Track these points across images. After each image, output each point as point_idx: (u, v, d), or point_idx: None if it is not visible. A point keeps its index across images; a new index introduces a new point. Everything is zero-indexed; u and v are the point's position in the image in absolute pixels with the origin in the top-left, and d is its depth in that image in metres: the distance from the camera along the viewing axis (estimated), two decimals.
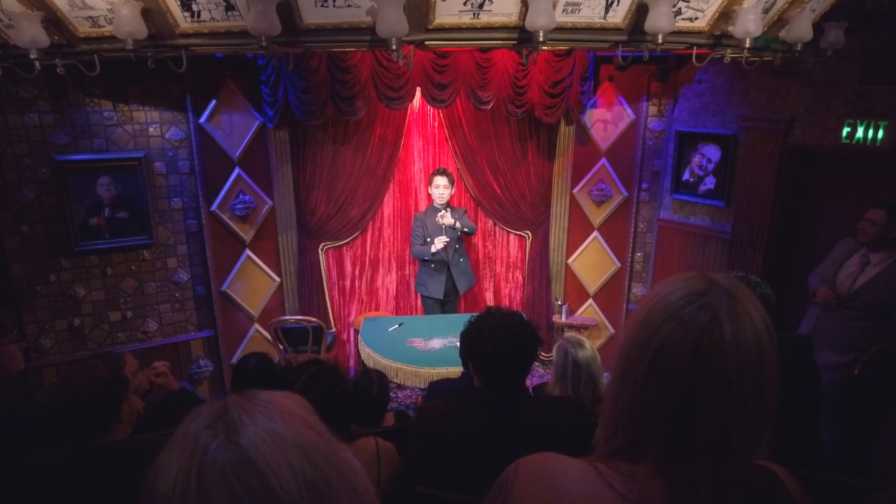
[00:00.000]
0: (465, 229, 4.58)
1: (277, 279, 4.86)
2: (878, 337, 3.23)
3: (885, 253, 3.25)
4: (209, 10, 2.63)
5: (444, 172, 4.51)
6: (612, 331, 5.51)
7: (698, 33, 3.03)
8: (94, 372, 1.71)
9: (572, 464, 0.85)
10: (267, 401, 0.63)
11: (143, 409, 1.90)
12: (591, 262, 5.38)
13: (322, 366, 2.03)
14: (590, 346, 2.58)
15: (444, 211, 4.45)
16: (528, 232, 5.34)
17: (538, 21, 2.57)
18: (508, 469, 0.91)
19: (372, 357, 3.98)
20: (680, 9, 2.84)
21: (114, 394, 1.72)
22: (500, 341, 1.76)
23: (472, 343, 1.82)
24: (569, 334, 2.73)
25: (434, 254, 4.46)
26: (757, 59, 3.26)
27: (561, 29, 2.78)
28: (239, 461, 0.56)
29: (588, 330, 5.36)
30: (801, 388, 2.16)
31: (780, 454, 0.90)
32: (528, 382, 2.02)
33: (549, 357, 5.53)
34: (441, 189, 4.48)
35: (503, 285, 5.60)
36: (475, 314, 1.94)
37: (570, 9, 2.76)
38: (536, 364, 5.43)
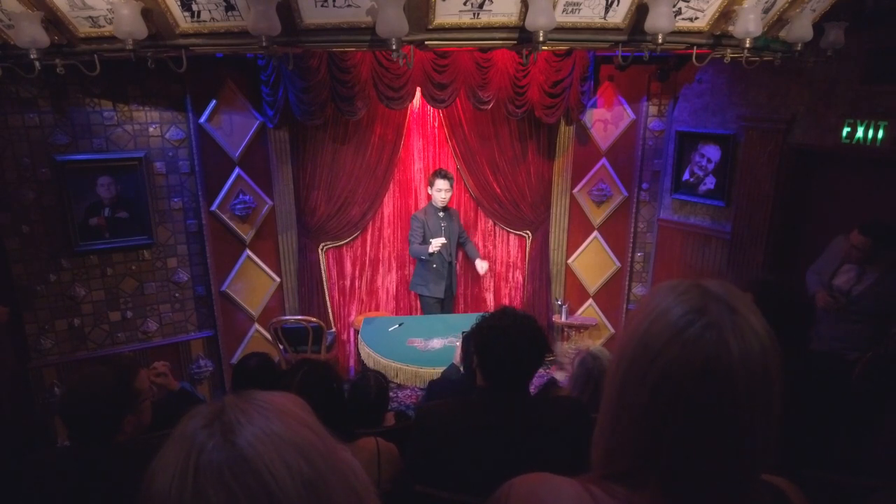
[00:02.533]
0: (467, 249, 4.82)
1: (277, 279, 4.87)
2: (878, 338, 3.23)
3: (879, 264, 3.25)
4: (209, 10, 2.63)
5: (444, 175, 4.49)
6: (612, 331, 5.51)
7: (698, 33, 3.03)
8: (101, 380, 1.67)
9: (566, 486, 0.82)
10: (264, 401, 0.63)
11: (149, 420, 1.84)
12: (591, 262, 5.38)
13: (313, 364, 2.02)
14: (607, 356, 2.57)
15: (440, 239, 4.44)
16: (527, 232, 5.34)
17: (538, 21, 2.57)
18: (501, 488, 0.89)
19: (372, 357, 3.98)
20: (680, 9, 2.84)
21: (117, 406, 1.67)
22: (512, 340, 1.75)
23: (484, 338, 1.81)
24: (594, 348, 2.69)
25: (432, 254, 4.46)
26: (757, 59, 3.26)
27: (561, 29, 2.78)
28: (235, 461, 0.56)
29: (588, 330, 5.36)
30: (829, 408, 2.11)
31: (780, 454, 0.89)
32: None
33: (550, 358, 5.53)
34: (443, 193, 4.47)
35: (503, 285, 5.60)
36: (484, 313, 1.93)
37: (570, 9, 2.76)
38: None
